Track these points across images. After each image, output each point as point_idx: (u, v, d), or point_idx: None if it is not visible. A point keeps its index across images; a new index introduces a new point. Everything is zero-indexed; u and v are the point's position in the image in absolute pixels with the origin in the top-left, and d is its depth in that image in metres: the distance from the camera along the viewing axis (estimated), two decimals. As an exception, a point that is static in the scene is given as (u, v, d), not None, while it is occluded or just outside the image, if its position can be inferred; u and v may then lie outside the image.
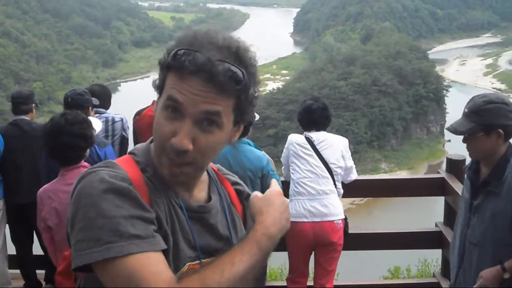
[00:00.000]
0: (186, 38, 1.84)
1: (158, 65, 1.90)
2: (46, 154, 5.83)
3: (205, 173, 2.10)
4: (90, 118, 4.98)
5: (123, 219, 1.73)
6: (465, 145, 4.44)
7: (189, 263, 1.94)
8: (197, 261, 1.96)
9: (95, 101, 6.63)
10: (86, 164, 4.77)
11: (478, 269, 4.37)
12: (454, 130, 4.37)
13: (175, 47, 1.83)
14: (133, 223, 1.74)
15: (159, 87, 1.89)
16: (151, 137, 2.00)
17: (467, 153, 4.64)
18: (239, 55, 1.83)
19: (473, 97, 4.41)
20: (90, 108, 6.21)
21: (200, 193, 2.07)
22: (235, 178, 2.29)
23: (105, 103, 7.21)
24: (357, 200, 48.15)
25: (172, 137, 1.79)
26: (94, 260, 1.71)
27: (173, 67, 1.81)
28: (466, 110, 4.36)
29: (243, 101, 1.87)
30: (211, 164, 2.20)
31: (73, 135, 4.62)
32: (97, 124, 5.61)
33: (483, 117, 4.22)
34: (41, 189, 4.77)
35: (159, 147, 1.86)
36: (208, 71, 1.75)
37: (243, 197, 2.25)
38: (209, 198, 2.11)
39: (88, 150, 4.86)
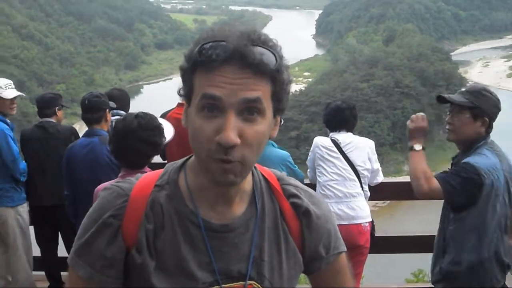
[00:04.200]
0: (207, 34, 1.72)
1: (180, 71, 1.78)
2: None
3: (250, 181, 1.94)
4: (163, 123, 4.81)
5: (86, 242, 1.85)
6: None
7: None
8: (216, 286, 1.84)
9: (112, 104, 6.62)
10: (147, 169, 4.52)
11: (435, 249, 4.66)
12: (446, 98, 4.51)
13: (197, 45, 1.71)
14: (93, 253, 1.84)
15: (187, 93, 1.76)
16: (190, 154, 1.92)
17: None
18: (264, 39, 1.72)
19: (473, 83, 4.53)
20: (107, 110, 6.20)
21: (241, 206, 1.90)
22: (295, 190, 2.01)
23: (125, 106, 7.20)
24: (379, 202, 48.00)
25: (216, 135, 1.64)
26: (68, 261, 1.90)
27: (200, 63, 1.68)
28: (463, 89, 4.56)
29: (279, 86, 1.74)
30: (269, 173, 2.03)
31: (142, 141, 4.35)
32: (168, 131, 5.48)
33: (477, 99, 4.37)
34: (99, 187, 4.67)
35: (204, 152, 1.69)
36: (240, 57, 1.64)
37: (301, 212, 1.98)
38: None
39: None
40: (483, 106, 4.37)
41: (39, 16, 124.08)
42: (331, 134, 6.31)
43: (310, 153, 6.36)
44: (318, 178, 6.17)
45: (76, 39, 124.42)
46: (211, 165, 1.69)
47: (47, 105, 7.01)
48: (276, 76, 1.71)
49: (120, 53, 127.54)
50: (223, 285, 1.84)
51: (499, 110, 4.44)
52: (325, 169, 6.14)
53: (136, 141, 4.35)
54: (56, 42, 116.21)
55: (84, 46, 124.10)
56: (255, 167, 1.98)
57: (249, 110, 1.67)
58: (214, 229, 1.84)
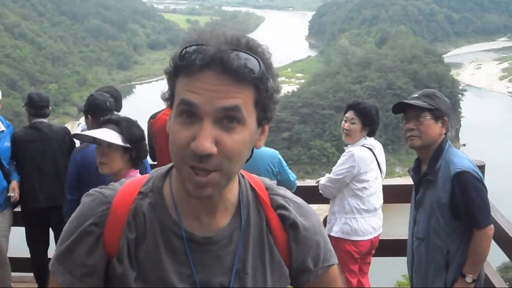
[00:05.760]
0: (191, 38, 1.68)
1: (165, 75, 1.73)
2: (81, 157, 5.80)
3: (236, 192, 1.88)
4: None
5: (67, 249, 1.81)
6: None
7: None
8: None
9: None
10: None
11: (428, 264, 4.53)
12: (408, 103, 4.50)
13: (180, 48, 1.68)
14: (73, 260, 1.80)
15: (170, 97, 1.72)
16: None
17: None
18: (250, 45, 1.67)
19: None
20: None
21: (225, 217, 1.85)
22: (283, 200, 1.95)
23: (118, 105, 7.18)
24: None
25: (192, 142, 1.60)
26: (50, 268, 1.85)
27: (181, 68, 1.64)
28: (417, 95, 4.58)
29: (263, 94, 1.67)
30: (257, 182, 1.98)
31: None
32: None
33: (434, 101, 4.43)
34: None
35: (179, 158, 1.65)
36: (220, 62, 1.59)
37: (288, 224, 1.93)
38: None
39: None
40: (441, 107, 4.44)
41: (32, 15, 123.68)
42: (367, 140, 6.00)
43: (346, 168, 5.91)
44: (359, 193, 5.92)
45: (69, 39, 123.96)
46: (185, 171, 1.65)
47: (46, 104, 6.99)
48: (258, 84, 1.65)
49: (113, 53, 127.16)
50: None
51: (451, 111, 4.50)
52: (367, 181, 5.91)
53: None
54: (48, 42, 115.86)
55: (77, 46, 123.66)
56: (242, 176, 1.93)
57: (229, 118, 1.62)
58: (197, 241, 1.80)
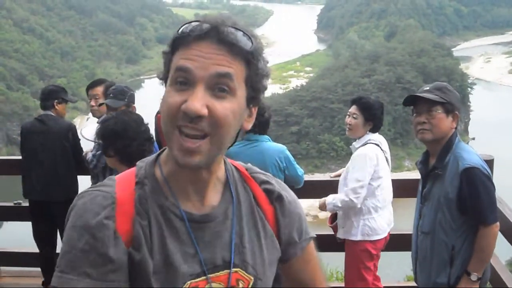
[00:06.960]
0: (188, 21, 1.77)
1: (162, 55, 1.79)
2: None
3: (223, 171, 1.93)
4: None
5: (81, 253, 1.67)
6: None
7: (191, 280, 1.78)
8: (203, 277, 1.80)
9: None
10: None
11: (432, 258, 4.52)
12: (420, 96, 4.43)
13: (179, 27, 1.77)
14: (91, 261, 1.68)
15: (165, 75, 1.77)
16: (163, 148, 1.89)
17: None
18: (245, 27, 1.74)
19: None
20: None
21: (215, 195, 1.89)
22: (265, 177, 2.04)
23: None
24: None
25: (183, 105, 1.66)
26: (53, 284, 1.71)
27: (179, 40, 1.72)
28: (428, 88, 4.51)
29: (254, 72, 1.74)
30: (238, 164, 2.03)
31: (145, 138, 4.38)
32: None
33: (447, 95, 4.40)
34: None
35: (169, 121, 1.69)
36: (215, 34, 1.68)
37: (274, 198, 2.00)
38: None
39: None
40: (453, 101, 4.42)
41: (40, 10, 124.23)
42: (370, 136, 5.87)
43: (368, 169, 5.74)
44: (376, 192, 5.80)
45: (77, 33, 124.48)
46: (174, 136, 1.68)
47: (46, 97, 7.07)
48: (250, 60, 1.72)
49: (121, 47, 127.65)
50: (209, 275, 1.81)
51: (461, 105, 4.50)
52: (381, 178, 5.80)
53: (141, 139, 4.35)
54: (57, 36, 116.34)
55: (85, 40, 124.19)
56: (224, 160, 1.97)
57: (220, 88, 1.67)
58: (195, 219, 1.82)
